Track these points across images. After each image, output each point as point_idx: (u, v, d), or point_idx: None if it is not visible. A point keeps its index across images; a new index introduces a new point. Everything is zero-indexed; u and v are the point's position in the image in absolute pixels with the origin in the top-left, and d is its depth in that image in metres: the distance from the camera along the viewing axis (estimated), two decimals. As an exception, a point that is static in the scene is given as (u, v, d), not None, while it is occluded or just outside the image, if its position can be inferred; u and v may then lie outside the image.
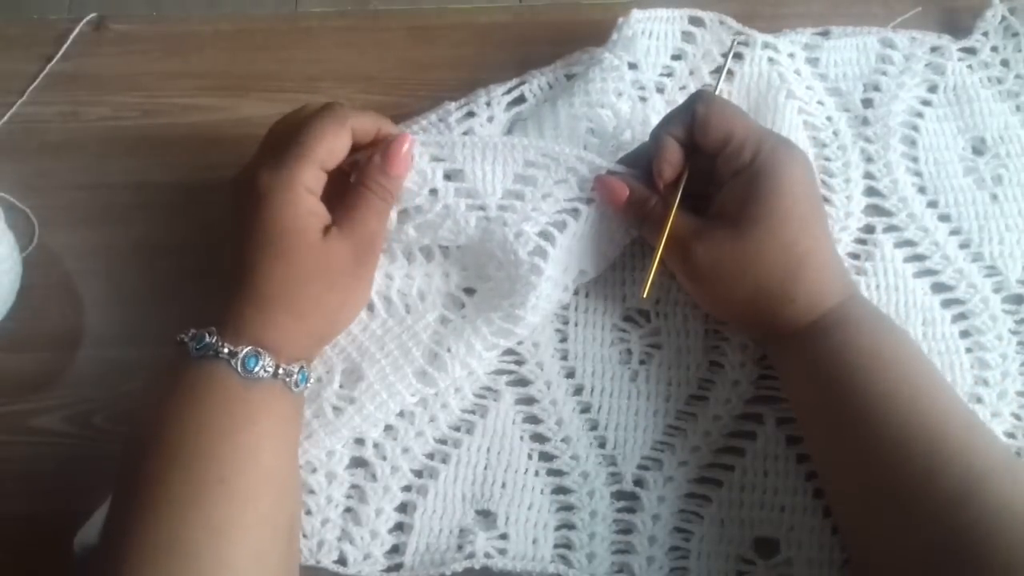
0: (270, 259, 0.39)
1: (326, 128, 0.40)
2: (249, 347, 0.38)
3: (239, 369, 0.38)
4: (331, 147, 0.40)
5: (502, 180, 0.44)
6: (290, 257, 0.39)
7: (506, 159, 0.44)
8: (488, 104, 0.49)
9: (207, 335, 0.39)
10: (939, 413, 0.38)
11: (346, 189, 0.42)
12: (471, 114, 0.49)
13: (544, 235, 0.44)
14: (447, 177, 0.44)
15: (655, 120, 0.49)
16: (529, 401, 0.46)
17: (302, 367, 0.40)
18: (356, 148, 0.42)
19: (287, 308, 0.40)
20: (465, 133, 0.48)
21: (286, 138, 0.41)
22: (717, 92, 0.46)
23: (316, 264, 0.40)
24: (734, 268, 0.41)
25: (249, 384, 0.38)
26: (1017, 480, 0.36)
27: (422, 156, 0.43)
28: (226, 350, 0.38)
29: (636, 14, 0.51)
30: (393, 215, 0.44)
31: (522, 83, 0.51)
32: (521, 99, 0.51)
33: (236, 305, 0.39)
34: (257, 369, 0.38)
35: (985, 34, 0.52)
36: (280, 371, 0.39)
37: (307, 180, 0.40)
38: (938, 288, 0.47)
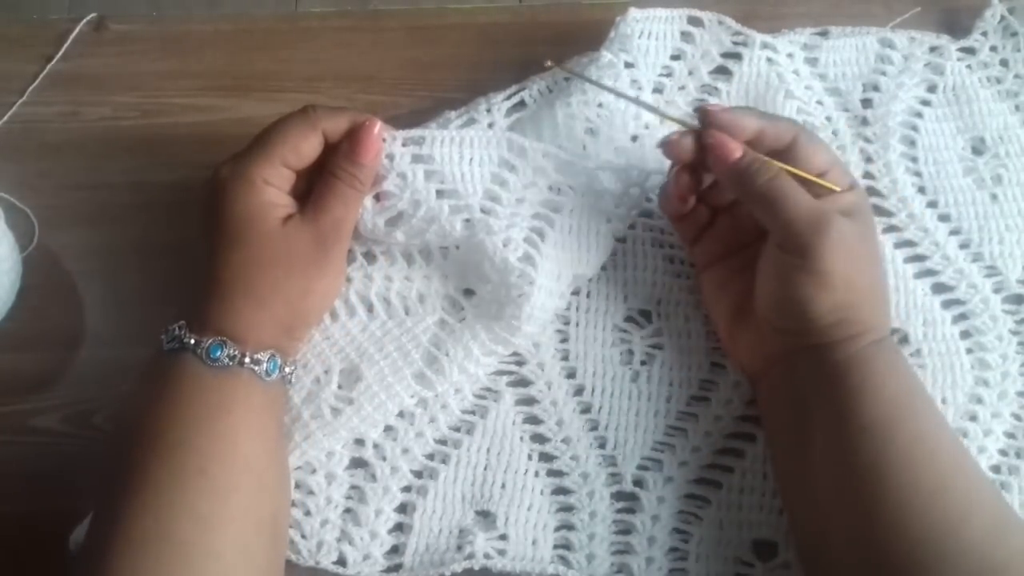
0: (227, 248, 0.40)
1: (291, 129, 0.41)
2: (214, 337, 0.39)
3: (205, 358, 0.39)
4: (296, 147, 0.41)
5: (480, 180, 0.44)
6: (246, 244, 0.40)
7: (481, 157, 0.44)
8: (488, 111, 0.50)
9: (177, 328, 0.40)
10: (973, 459, 0.40)
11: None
12: (472, 121, 0.49)
13: (530, 242, 0.44)
14: (427, 178, 0.44)
15: (649, 118, 0.50)
16: (529, 402, 0.46)
17: (272, 356, 0.41)
18: (334, 148, 0.42)
19: (245, 295, 0.40)
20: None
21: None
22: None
23: (274, 250, 0.40)
24: (863, 254, 0.41)
25: (218, 373, 0.39)
26: None
27: (403, 157, 0.43)
28: (192, 340, 0.39)
29: (634, 13, 0.51)
30: (380, 222, 0.44)
31: (522, 88, 0.51)
32: (521, 104, 0.51)
33: (200, 296, 0.41)
34: (221, 356, 0.39)
35: (984, 34, 0.52)
36: (246, 360, 0.40)
37: (265, 174, 0.40)
38: (938, 289, 0.47)
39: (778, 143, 0.42)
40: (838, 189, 0.41)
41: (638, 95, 0.49)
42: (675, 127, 0.43)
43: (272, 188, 0.41)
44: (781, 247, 0.41)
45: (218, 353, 0.39)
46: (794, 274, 0.40)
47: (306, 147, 0.41)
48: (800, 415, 0.41)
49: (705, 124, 0.42)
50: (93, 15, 0.56)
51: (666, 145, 0.43)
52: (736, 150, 0.41)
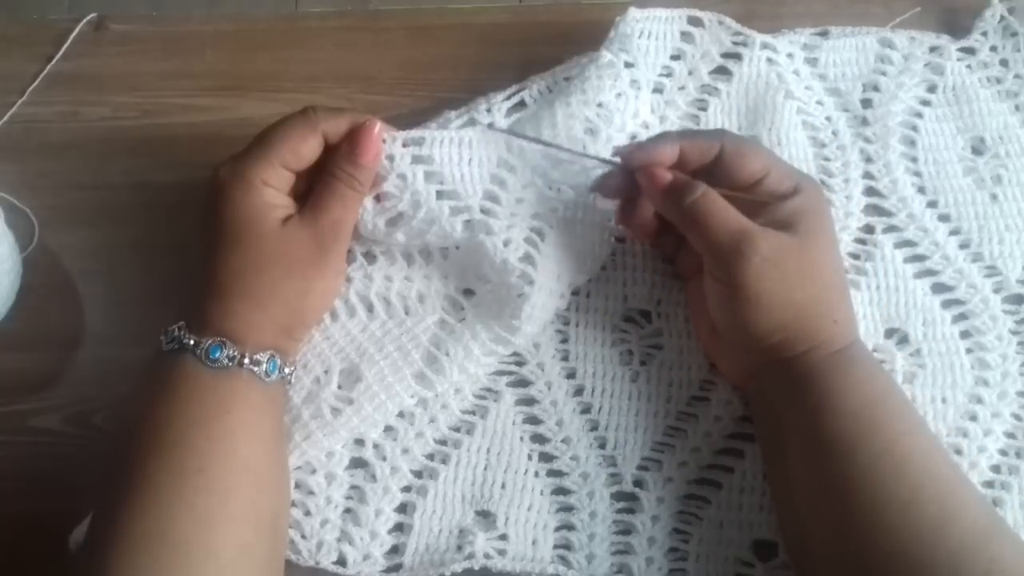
0: (226, 248, 0.40)
1: (291, 131, 0.41)
2: (213, 337, 0.39)
3: (204, 359, 0.39)
4: (295, 148, 0.41)
5: (480, 180, 0.44)
6: (245, 245, 0.40)
7: (481, 158, 0.44)
8: (488, 111, 0.50)
9: (177, 329, 0.40)
10: (951, 463, 0.39)
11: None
12: (472, 121, 0.49)
13: (530, 242, 0.44)
14: (428, 179, 0.44)
15: (648, 117, 0.50)
16: (530, 402, 0.46)
17: (272, 356, 0.41)
18: (335, 149, 0.42)
19: (244, 296, 0.40)
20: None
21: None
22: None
23: (272, 251, 0.40)
24: (796, 269, 0.39)
25: (217, 374, 0.39)
26: (1020, 541, 0.37)
27: (403, 158, 0.43)
28: (191, 341, 0.39)
29: (633, 13, 0.51)
30: (380, 223, 0.44)
31: (522, 88, 0.51)
32: (521, 104, 0.51)
33: (199, 297, 0.41)
34: (220, 357, 0.39)
35: (984, 34, 0.52)
36: (246, 360, 0.40)
37: (264, 175, 0.40)
38: (938, 288, 0.47)
39: (705, 158, 0.41)
40: (768, 201, 0.40)
41: (638, 95, 0.49)
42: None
43: (271, 189, 0.41)
44: (710, 274, 0.41)
45: (217, 354, 0.39)
46: (726, 301, 0.40)
47: (305, 148, 0.41)
48: (775, 427, 0.41)
49: (626, 165, 0.42)
50: (93, 15, 0.56)
51: (599, 188, 0.44)
52: (663, 177, 0.41)
